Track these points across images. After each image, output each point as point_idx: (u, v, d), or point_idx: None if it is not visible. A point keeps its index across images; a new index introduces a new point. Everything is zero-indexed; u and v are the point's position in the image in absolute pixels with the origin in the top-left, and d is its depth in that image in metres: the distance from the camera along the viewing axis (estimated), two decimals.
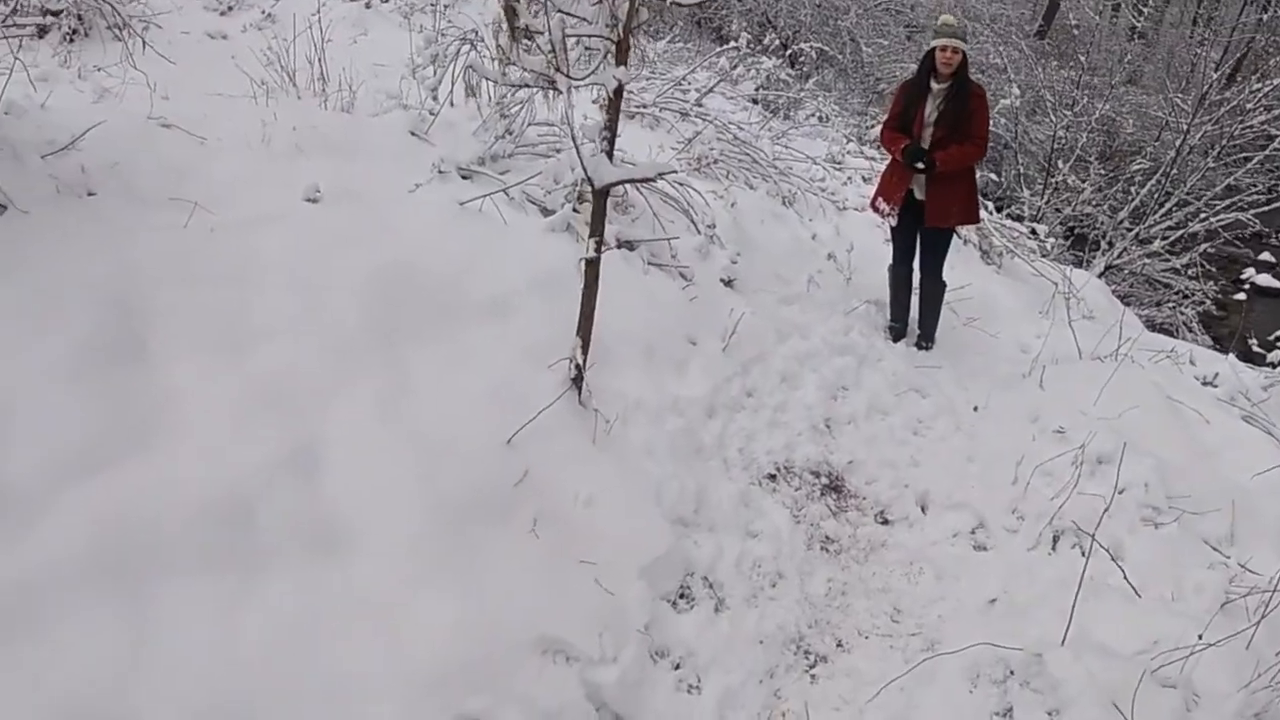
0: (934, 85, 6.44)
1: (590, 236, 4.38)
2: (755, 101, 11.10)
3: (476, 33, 6.80)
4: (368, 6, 9.76)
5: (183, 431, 3.65)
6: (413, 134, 6.13)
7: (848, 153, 10.47)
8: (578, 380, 4.57)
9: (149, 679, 2.97)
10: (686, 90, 9.62)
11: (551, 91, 5.28)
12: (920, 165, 6.42)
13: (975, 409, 6.27)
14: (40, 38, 8.37)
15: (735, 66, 10.36)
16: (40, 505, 3.20)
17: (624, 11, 4.12)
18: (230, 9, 9.86)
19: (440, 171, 5.74)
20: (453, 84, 6.59)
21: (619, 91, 4.26)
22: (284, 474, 3.69)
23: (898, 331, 6.95)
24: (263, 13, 9.48)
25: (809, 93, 12.49)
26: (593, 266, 4.40)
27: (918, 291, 6.88)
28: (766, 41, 12.27)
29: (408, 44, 7.63)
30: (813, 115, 12.00)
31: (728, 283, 6.27)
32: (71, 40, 8.38)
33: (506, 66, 4.45)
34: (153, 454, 3.52)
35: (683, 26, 16.77)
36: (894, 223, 6.74)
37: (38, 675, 2.85)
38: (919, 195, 6.61)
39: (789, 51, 13.40)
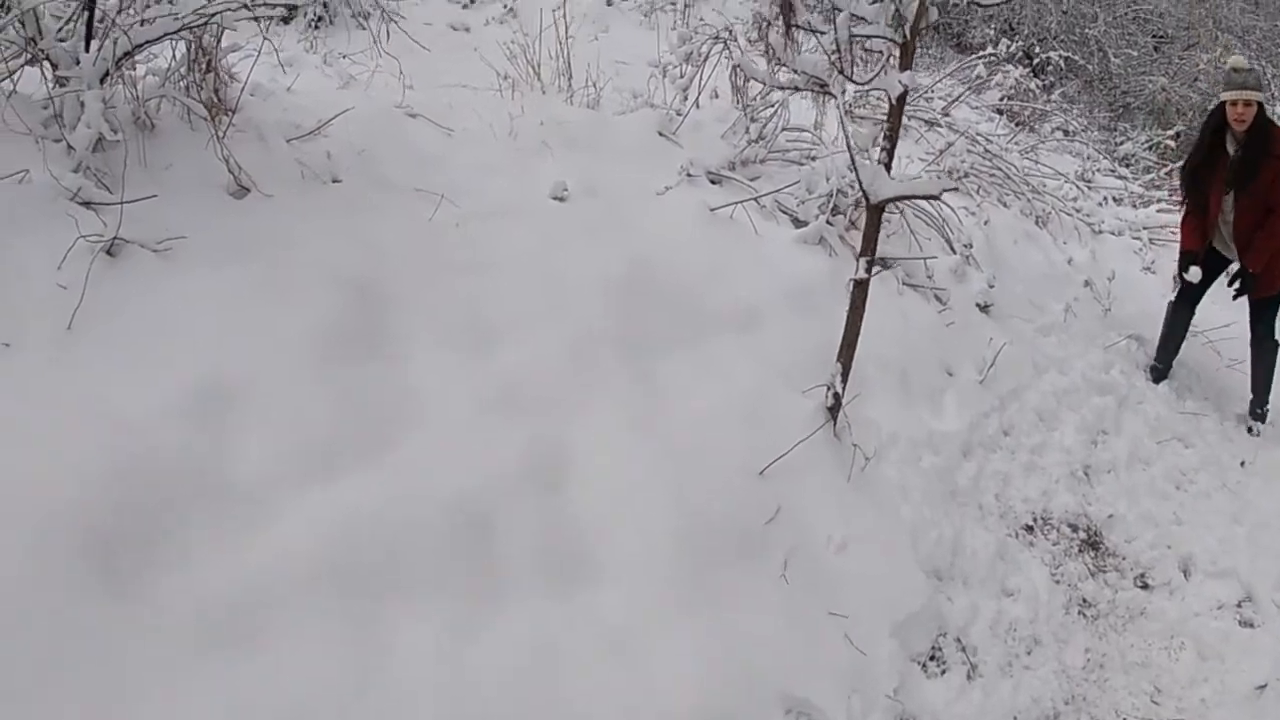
0: (1229, 145, 5.80)
1: (861, 255, 4.07)
2: (1000, 112, 10.54)
3: (730, 30, 6.55)
4: (609, 4, 9.71)
5: (422, 432, 3.50)
6: (660, 134, 5.92)
7: (1098, 170, 9.83)
8: (834, 410, 4.25)
9: (374, 708, 2.77)
10: (930, 99, 9.19)
11: (816, 96, 5.01)
12: (1234, 287, 5.98)
13: (1242, 464, 5.76)
14: (286, 23, 8.50)
15: (993, 74, 9.84)
16: (268, 508, 3.04)
17: (912, 11, 3.79)
18: (472, 1, 9.93)
19: (689, 175, 5.52)
20: (701, 85, 6.35)
21: (902, 98, 3.93)
22: (527, 485, 3.50)
23: (1160, 373, 6.39)
24: (504, 6, 9.54)
25: (1055, 104, 11.86)
26: (861, 288, 4.09)
27: (1250, 358, 6.24)
28: (1012, 49, 11.66)
29: (648, 42, 7.47)
30: (1059, 129, 11.37)
31: (983, 308, 5.87)
32: (317, 26, 8.51)
33: (778, 66, 4.19)
34: (389, 457, 3.36)
35: (925, 33, 16.25)
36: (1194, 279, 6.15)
37: (253, 693, 2.66)
38: (1227, 255, 6.10)
39: (1034, 61, 12.74)
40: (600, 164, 5.31)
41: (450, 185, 4.59)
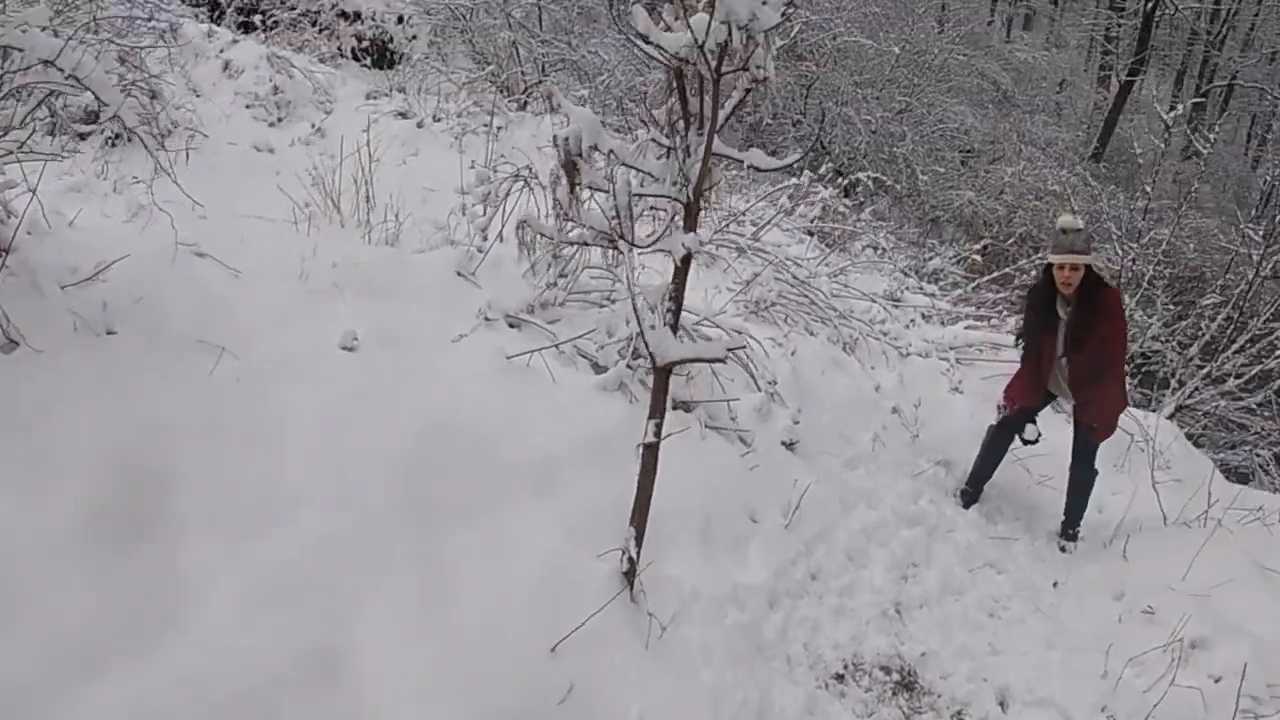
0: (1060, 308, 5.99)
1: (650, 418, 4.01)
2: (811, 233, 10.82)
3: (531, 169, 6.52)
4: (419, 126, 9.57)
5: (194, 627, 3.27)
6: (459, 274, 5.80)
7: (906, 288, 10.11)
8: (630, 575, 4.15)
9: None
10: (743, 223, 9.35)
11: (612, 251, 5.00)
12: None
13: (1055, 585, 5.89)
14: (83, 139, 8.12)
15: (796, 206, 10.09)
16: (41, 710, 2.84)
17: (695, 172, 3.80)
18: (280, 120, 9.69)
19: (487, 319, 5.40)
20: (503, 221, 6.29)
21: (687, 260, 3.93)
22: (307, 683, 3.29)
23: (970, 497, 6.53)
24: (313, 126, 9.32)
25: (865, 223, 12.26)
26: (651, 451, 4.02)
27: (1068, 481, 6.43)
28: (823, 170, 12.04)
29: (459, 168, 7.37)
30: (869, 247, 11.72)
31: (789, 445, 5.88)
32: (113, 145, 8.10)
33: (564, 223, 4.16)
34: (155, 656, 3.12)
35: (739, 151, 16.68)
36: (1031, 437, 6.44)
37: None
38: (1060, 398, 6.41)
39: (844, 181, 13.20)
40: (395, 308, 5.16)
41: (234, 335, 4.36)
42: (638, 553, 4.12)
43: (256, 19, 11.70)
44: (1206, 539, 5.76)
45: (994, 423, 6.54)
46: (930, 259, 12.76)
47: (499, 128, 9.64)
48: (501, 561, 4.05)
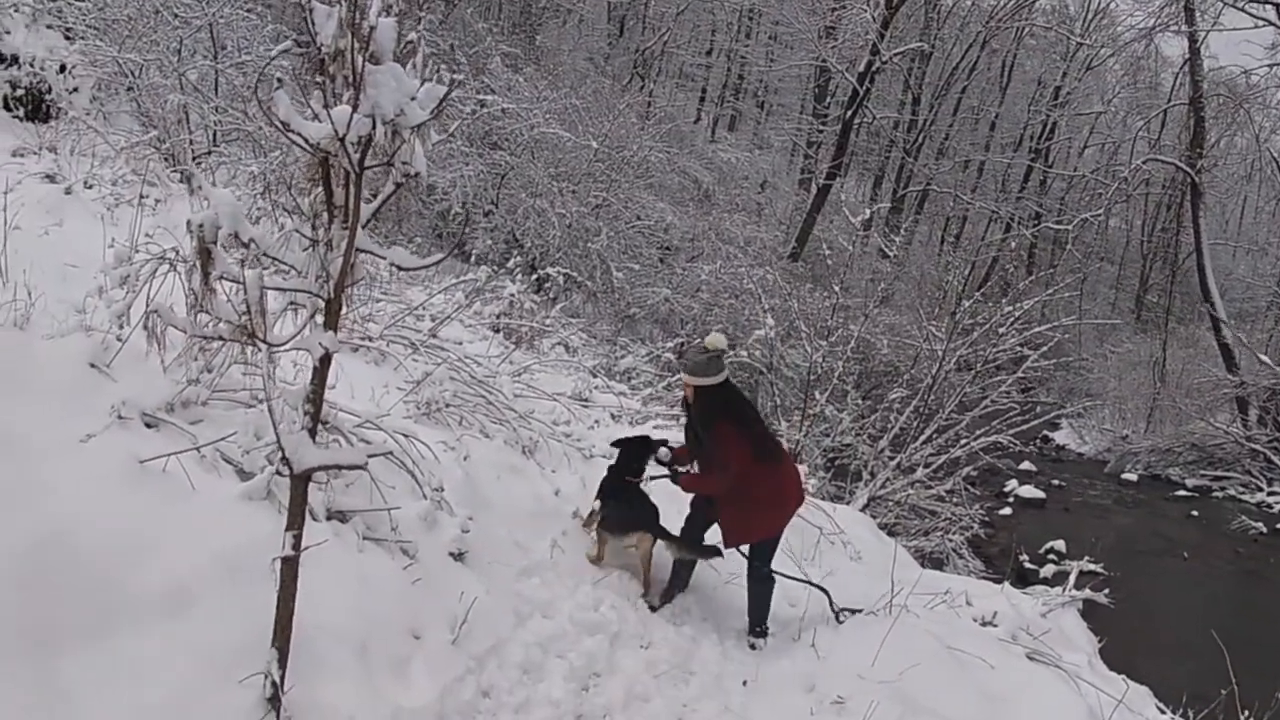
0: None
1: (288, 529, 3.94)
2: (496, 330, 10.93)
3: (179, 251, 6.26)
4: (68, 192, 8.94)
5: None
6: (92, 365, 5.47)
7: (595, 388, 10.35)
8: (275, 700, 4.02)
9: None
10: (421, 316, 9.35)
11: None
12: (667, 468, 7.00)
13: (745, 683, 6.07)
14: None
15: (474, 303, 10.17)
16: None
17: (337, 268, 3.82)
18: None
19: (121, 417, 5.05)
20: (147, 307, 5.97)
21: (326, 360, 3.92)
22: None
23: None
24: None
25: (555, 320, 12.48)
26: (289, 566, 3.94)
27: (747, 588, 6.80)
28: (511, 264, 12.22)
29: (106, 242, 6.97)
30: (559, 344, 11.93)
31: (458, 556, 5.85)
32: None
33: (199, 316, 4.06)
34: None
35: (422, 240, 16.73)
36: None
37: None
38: None
39: (535, 275, 13.44)
40: (16, 402, 4.80)
41: None
42: (282, 676, 3.99)
43: None
44: (892, 625, 6.12)
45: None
46: (623, 357, 13.12)
47: (157, 200, 9.25)
48: (125, 689, 3.84)
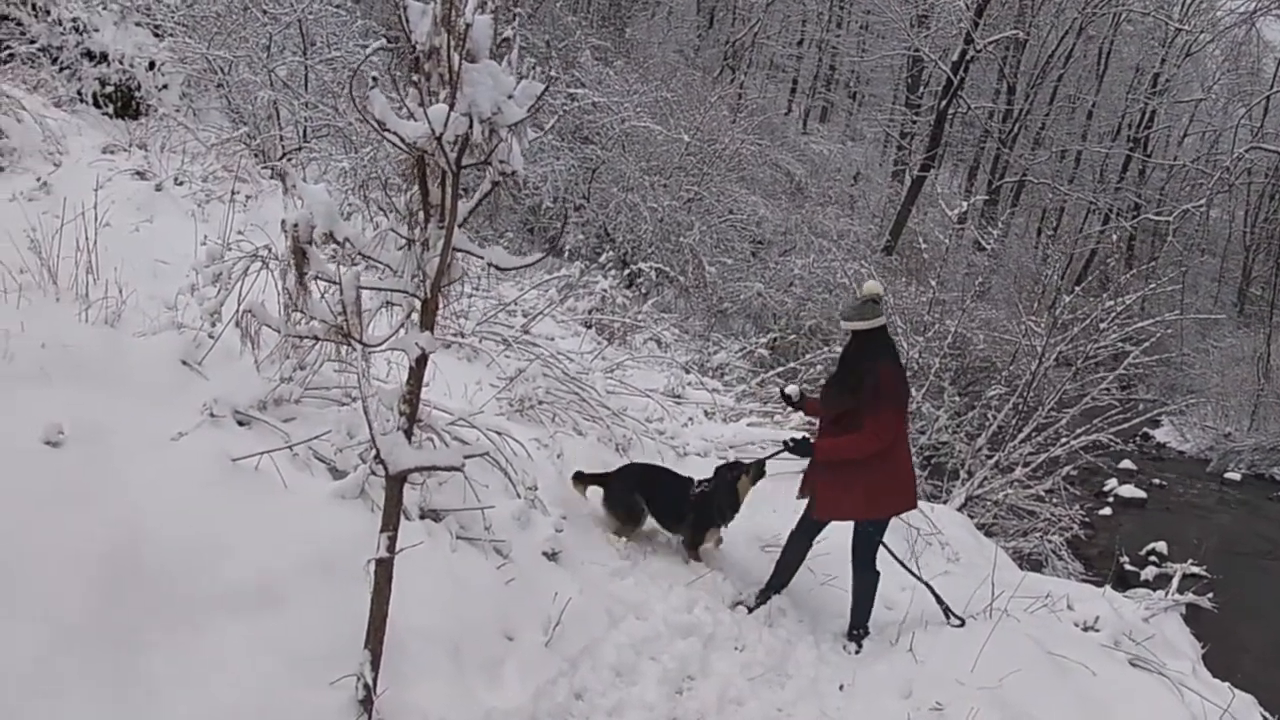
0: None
1: (382, 531, 3.91)
2: (588, 325, 10.89)
3: (271, 249, 6.29)
4: (158, 189, 9.00)
5: None
6: (184, 363, 5.51)
7: (688, 384, 10.27)
8: (367, 703, 4.00)
9: None
10: (513, 312, 9.35)
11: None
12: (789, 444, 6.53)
13: (841, 688, 5.95)
14: None
15: (566, 299, 10.15)
16: None
17: (433, 267, 3.78)
18: (1, 169, 8.94)
19: (213, 415, 5.11)
20: (239, 305, 6.01)
21: (422, 360, 3.88)
22: None
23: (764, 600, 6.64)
24: (38, 180, 8.60)
25: (647, 315, 12.42)
26: (384, 568, 3.91)
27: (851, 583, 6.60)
28: (604, 259, 12.18)
29: (197, 239, 7.02)
30: (651, 340, 11.88)
31: (551, 556, 5.82)
32: None
33: (293, 315, 4.06)
34: None
35: (514, 235, 16.80)
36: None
37: None
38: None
39: (627, 271, 13.38)
40: (109, 399, 4.82)
41: None
42: (374, 679, 3.97)
43: None
44: (992, 629, 5.99)
45: (794, 529, 6.67)
46: (715, 353, 13.02)
47: (247, 197, 9.32)
48: (212, 690, 3.83)
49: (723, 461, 7.21)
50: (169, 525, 4.31)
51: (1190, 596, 7.96)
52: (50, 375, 4.79)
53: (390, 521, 3.92)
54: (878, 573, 6.51)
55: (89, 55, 11.72)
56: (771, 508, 7.02)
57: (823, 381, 6.75)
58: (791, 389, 6.75)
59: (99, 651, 3.71)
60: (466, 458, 3.90)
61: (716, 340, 14.67)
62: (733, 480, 6.77)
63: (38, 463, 4.27)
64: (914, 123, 37.49)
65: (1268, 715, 6.40)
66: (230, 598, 4.21)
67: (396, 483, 3.90)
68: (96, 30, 11.77)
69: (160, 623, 3.94)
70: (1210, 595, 8.15)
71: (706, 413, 9.56)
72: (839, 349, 6.37)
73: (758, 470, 6.89)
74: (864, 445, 6.12)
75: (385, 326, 4.11)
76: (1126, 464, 19.76)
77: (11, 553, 3.80)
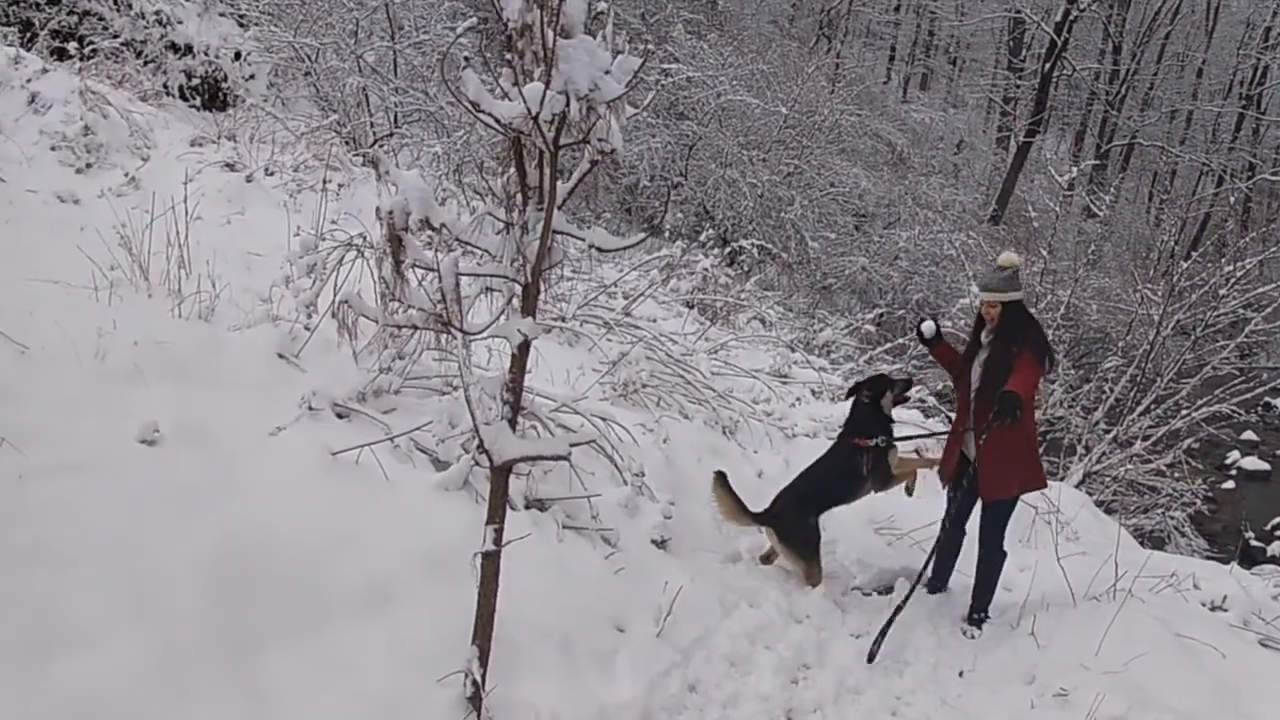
0: (982, 338, 6.14)
1: (488, 523, 3.84)
2: (690, 305, 10.77)
3: (365, 238, 6.26)
4: (249, 180, 9.00)
5: None
6: (280, 356, 5.51)
7: (794, 363, 10.10)
8: (476, 700, 3.93)
9: None
10: (614, 295, 9.26)
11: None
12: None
13: (961, 674, 5.78)
14: None
15: (668, 279, 10.04)
16: None
17: (533, 251, 3.68)
18: (89, 166, 9.00)
19: (311, 408, 5.10)
20: (334, 295, 5.98)
21: (525, 347, 3.80)
22: None
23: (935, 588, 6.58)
24: (126, 175, 8.69)
25: (750, 293, 12.27)
26: (491, 560, 3.84)
27: (976, 563, 6.39)
28: (704, 238, 12.04)
29: (289, 230, 7.02)
30: (755, 319, 11.73)
31: (660, 544, 5.74)
32: None
33: (390, 304, 3.99)
34: None
35: (611, 215, 16.74)
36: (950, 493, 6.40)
37: None
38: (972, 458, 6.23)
39: (728, 249, 13.24)
40: (205, 395, 4.83)
41: (17, 424, 4.02)
42: (483, 675, 3.92)
43: (72, 46, 10.93)
44: (1117, 611, 5.78)
45: (946, 522, 6.48)
46: (821, 330, 12.82)
47: (340, 185, 9.32)
48: (327, 691, 3.81)
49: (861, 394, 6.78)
50: (277, 524, 4.31)
51: None
52: (145, 373, 4.80)
53: (496, 514, 3.86)
54: (1005, 553, 6.30)
55: (173, 48, 11.80)
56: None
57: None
58: (928, 325, 6.47)
59: (218, 660, 3.70)
60: (573, 446, 3.81)
61: (821, 318, 14.46)
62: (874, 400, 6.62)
63: (139, 464, 4.27)
64: (1017, 87, 36.72)
65: None
66: (342, 597, 4.20)
67: (502, 473, 3.84)
68: (180, 22, 11.86)
69: (277, 627, 3.93)
70: None
71: (814, 392, 9.40)
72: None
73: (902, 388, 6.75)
74: (1032, 377, 5.90)
75: (485, 313, 4.05)
76: (1249, 435, 19.19)
77: (121, 559, 3.79)
